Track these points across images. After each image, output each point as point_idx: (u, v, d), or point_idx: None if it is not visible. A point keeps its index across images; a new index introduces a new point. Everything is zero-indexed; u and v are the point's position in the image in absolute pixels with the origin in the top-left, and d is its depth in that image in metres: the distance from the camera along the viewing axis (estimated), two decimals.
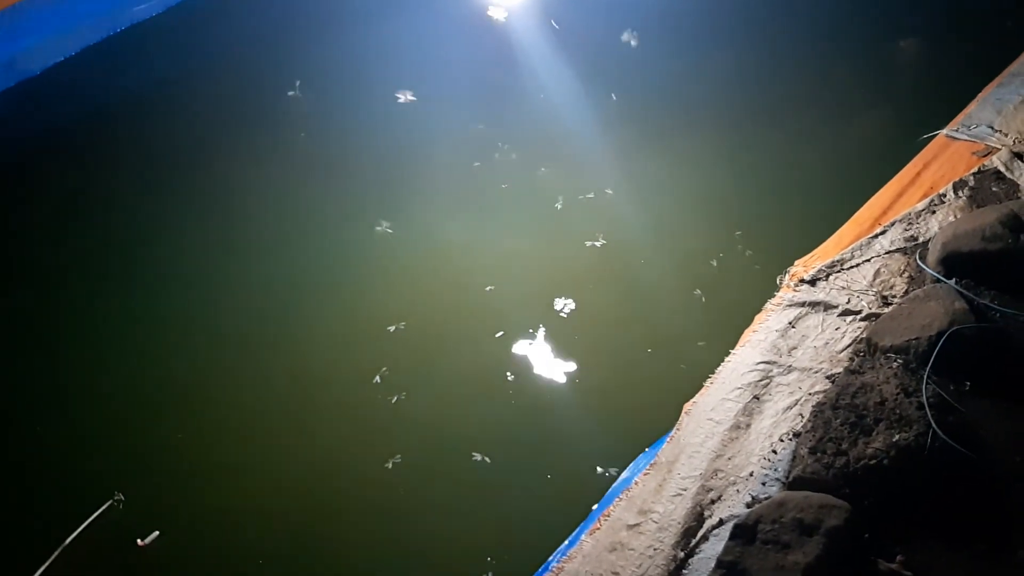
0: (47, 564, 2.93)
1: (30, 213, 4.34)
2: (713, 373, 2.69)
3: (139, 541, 2.98)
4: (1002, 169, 3.20)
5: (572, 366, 3.54)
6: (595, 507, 2.67)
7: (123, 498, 3.13)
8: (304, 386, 3.53)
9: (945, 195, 3.14)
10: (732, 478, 2.37)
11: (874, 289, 2.84)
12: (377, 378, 3.48)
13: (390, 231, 4.12)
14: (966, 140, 3.40)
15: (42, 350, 3.71)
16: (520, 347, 3.61)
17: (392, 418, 3.38)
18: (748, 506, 2.27)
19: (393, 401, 3.42)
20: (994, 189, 3.13)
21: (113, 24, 5.36)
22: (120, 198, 4.37)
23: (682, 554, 2.22)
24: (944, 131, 3.47)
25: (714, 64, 5.01)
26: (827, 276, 2.92)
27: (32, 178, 4.53)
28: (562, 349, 3.60)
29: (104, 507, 3.09)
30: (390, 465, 3.20)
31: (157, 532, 3.02)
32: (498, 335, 3.65)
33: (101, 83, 5.09)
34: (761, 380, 2.62)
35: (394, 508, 3.14)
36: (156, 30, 5.42)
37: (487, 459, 3.22)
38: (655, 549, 2.25)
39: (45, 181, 4.51)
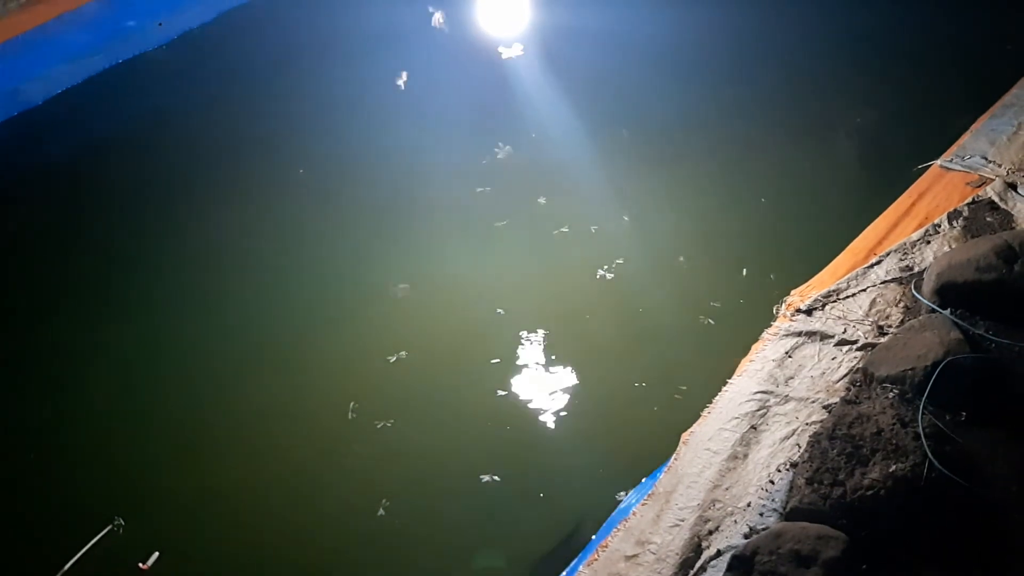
0: None
1: (30, 241, 4.36)
2: (711, 403, 2.70)
3: (141, 564, 2.98)
4: (996, 199, 3.22)
5: (570, 394, 3.54)
6: (593, 537, 2.67)
7: (123, 523, 3.13)
8: (299, 417, 3.53)
9: (940, 225, 3.16)
10: (730, 508, 2.37)
11: (870, 319, 2.85)
12: (350, 414, 3.48)
13: (390, 260, 4.14)
14: (960, 170, 3.43)
15: (39, 376, 3.72)
16: (518, 375, 3.61)
17: (379, 449, 3.38)
18: (746, 537, 2.27)
19: (379, 427, 3.43)
20: (988, 219, 3.15)
21: (115, 55, 5.42)
22: (119, 227, 4.40)
23: None
24: (938, 161, 3.50)
25: (712, 98, 5.06)
26: (823, 306, 2.94)
27: (33, 207, 4.57)
28: (560, 377, 3.60)
29: (104, 532, 3.09)
30: (381, 512, 3.18)
31: (157, 554, 3.02)
32: (494, 361, 3.66)
33: (102, 114, 5.15)
34: (758, 410, 2.62)
35: (385, 546, 3.14)
36: (157, 62, 5.49)
37: (495, 478, 3.22)
38: None
39: (46, 210, 4.54)
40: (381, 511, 3.15)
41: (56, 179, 4.74)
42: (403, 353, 3.68)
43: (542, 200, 4.42)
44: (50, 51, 5.18)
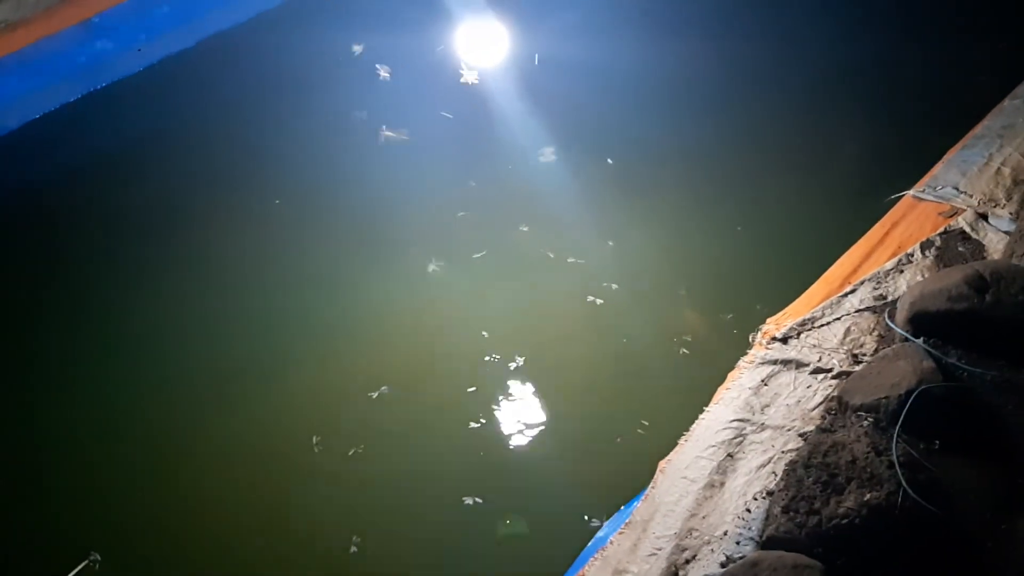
0: None
1: (3, 268, 4.31)
2: (687, 431, 2.71)
3: None
4: (967, 230, 3.27)
5: (547, 423, 3.54)
6: (570, 568, 2.66)
7: (99, 558, 3.08)
8: (280, 455, 3.50)
9: (913, 255, 3.20)
10: (706, 537, 2.38)
11: (844, 347, 2.88)
12: (315, 445, 3.46)
13: (372, 290, 4.13)
14: (932, 200, 3.47)
15: (11, 405, 3.67)
16: (501, 403, 3.60)
17: (349, 481, 3.37)
18: (722, 566, 2.27)
19: (350, 453, 3.41)
20: (960, 249, 3.20)
21: (93, 81, 5.39)
22: (94, 255, 4.35)
23: None
24: (911, 191, 3.55)
25: (692, 128, 5.09)
26: (798, 334, 2.96)
27: (6, 233, 4.51)
28: (539, 405, 3.60)
29: (80, 567, 3.04)
30: (353, 549, 3.17)
31: None
32: (470, 390, 3.65)
33: (78, 141, 5.09)
34: (735, 438, 2.63)
35: None
36: (136, 89, 5.45)
37: (478, 500, 3.21)
38: None
39: (20, 236, 4.49)
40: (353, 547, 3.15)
41: (31, 206, 4.68)
42: (385, 388, 3.67)
43: (524, 228, 4.43)
44: (26, 77, 5.14)
